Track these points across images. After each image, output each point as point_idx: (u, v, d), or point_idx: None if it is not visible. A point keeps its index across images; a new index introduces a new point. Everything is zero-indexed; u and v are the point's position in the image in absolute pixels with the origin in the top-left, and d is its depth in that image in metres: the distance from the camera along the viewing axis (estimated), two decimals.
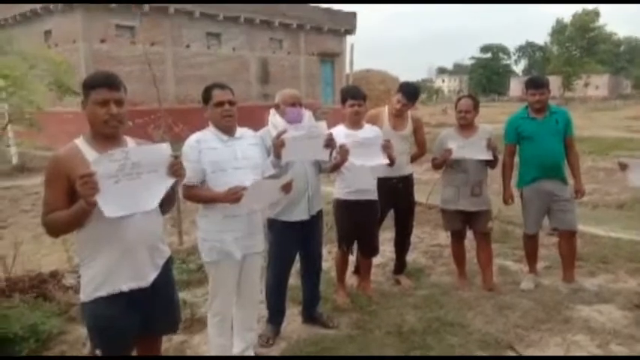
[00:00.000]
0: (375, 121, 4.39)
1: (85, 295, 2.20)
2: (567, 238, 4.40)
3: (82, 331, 3.62)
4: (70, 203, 2.04)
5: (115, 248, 2.15)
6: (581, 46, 60.26)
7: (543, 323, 3.75)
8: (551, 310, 3.95)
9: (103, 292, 2.16)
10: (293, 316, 3.91)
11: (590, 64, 58.49)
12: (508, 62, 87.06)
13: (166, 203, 2.34)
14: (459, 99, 4.48)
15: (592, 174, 10.19)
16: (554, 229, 4.61)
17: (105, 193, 1.96)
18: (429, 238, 6.01)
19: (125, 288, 2.19)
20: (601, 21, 59.08)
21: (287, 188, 2.93)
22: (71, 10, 17.30)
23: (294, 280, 3.98)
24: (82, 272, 2.22)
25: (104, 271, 2.16)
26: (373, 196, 4.05)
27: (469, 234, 4.59)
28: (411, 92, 4.41)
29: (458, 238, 4.56)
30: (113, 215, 1.99)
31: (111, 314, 2.16)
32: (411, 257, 5.02)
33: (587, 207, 7.47)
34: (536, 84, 4.36)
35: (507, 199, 4.52)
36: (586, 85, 59.88)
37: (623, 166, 3.88)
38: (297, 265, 3.79)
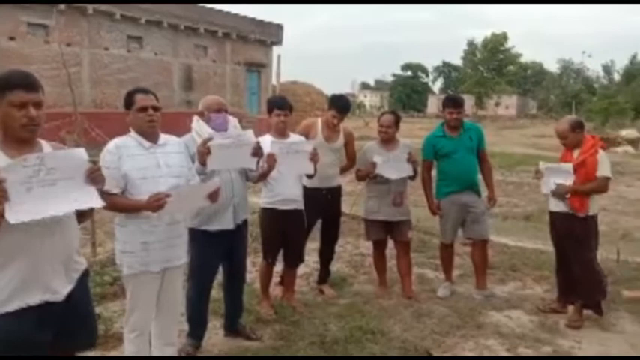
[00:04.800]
0: (308, 131, 4.44)
1: None
2: (480, 247, 4.64)
3: None
4: None
5: (26, 260, 1.99)
6: (492, 68, 64.38)
7: (458, 329, 3.93)
8: (465, 317, 4.14)
9: (11, 307, 1.99)
10: (215, 329, 3.82)
11: (501, 84, 62.63)
12: (426, 81, 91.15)
13: (84, 213, 2.21)
14: (382, 114, 4.64)
15: (502, 187, 10.85)
16: (468, 238, 4.85)
17: (15, 201, 1.82)
18: (352, 248, 6.12)
19: (36, 302, 2.03)
20: (510, 44, 63.57)
21: (214, 197, 2.86)
22: None
23: (215, 291, 3.89)
24: None
25: (14, 285, 1.99)
26: (299, 205, 4.07)
27: (390, 243, 4.72)
28: (343, 106, 4.50)
29: (379, 247, 4.68)
30: (15, 221, 1.82)
31: (20, 330, 1.99)
32: (334, 266, 5.08)
33: (498, 218, 7.93)
34: (455, 103, 4.58)
35: (434, 210, 4.69)
36: (497, 104, 63.99)
37: (539, 175, 4.16)
38: (219, 277, 3.72)
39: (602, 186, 3.94)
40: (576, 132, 3.99)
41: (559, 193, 3.96)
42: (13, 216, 1.81)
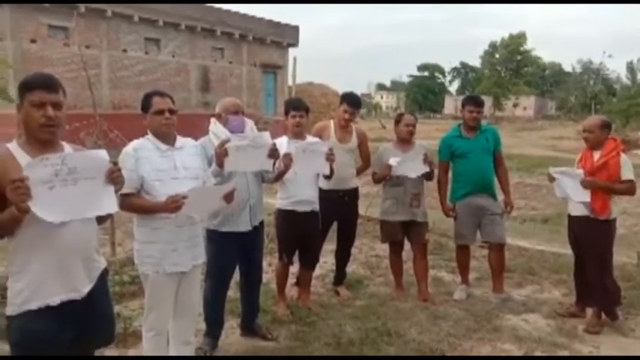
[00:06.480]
0: (321, 133, 4.46)
1: (13, 309, 2.06)
2: (497, 250, 4.60)
3: (3, 348, 3.38)
4: (2, 210, 1.92)
5: (47, 259, 2.04)
6: (511, 69, 63.74)
7: (474, 332, 3.90)
8: (481, 320, 4.11)
9: (32, 305, 2.04)
10: (231, 328, 3.85)
11: (519, 85, 61.91)
12: (443, 81, 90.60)
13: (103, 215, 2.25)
14: (402, 114, 4.64)
15: (520, 190, 10.75)
16: (485, 241, 4.82)
17: (38, 199, 1.86)
18: (368, 250, 6.11)
19: (57, 301, 2.07)
20: (529, 45, 62.93)
21: (229, 198, 2.89)
22: None
23: (232, 291, 3.92)
24: (10, 284, 2.08)
25: (35, 283, 2.04)
26: (315, 207, 4.08)
27: (406, 245, 4.71)
28: (353, 100, 4.53)
29: (396, 249, 4.67)
30: (55, 221, 1.91)
31: (41, 328, 2.04)
32: (350, 268, 5.08)
33: (516, 221, 7.85)
34: (475, 102, 4.59)
35: (447, 212, 4.68)
36: (515, 105, 63.28)
37: (552, 179, 4.12)
38: (235, 277, 3.74)
39: (632, 188, 3.91)
40: (604, 130, 3.96)
41: (589, 185, 3.84)
42: (45, 215, 1.88)
